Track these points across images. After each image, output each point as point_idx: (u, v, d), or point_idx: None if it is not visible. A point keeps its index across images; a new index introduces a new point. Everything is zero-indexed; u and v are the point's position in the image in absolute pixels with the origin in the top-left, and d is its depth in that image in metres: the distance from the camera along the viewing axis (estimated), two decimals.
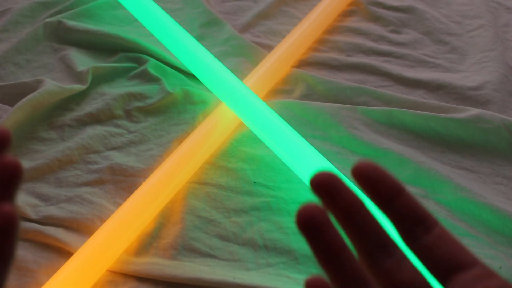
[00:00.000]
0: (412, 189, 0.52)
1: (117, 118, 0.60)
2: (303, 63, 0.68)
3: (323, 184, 0.21)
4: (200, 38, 0.70)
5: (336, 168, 0.50)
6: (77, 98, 0.62)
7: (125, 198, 0.50)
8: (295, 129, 0.52)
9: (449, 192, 0.51)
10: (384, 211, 0.21)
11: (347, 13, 0.76)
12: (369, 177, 0.21)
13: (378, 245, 0.21)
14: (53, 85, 0.59)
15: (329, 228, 0.20)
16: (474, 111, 0.57)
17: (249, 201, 0.52)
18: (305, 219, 0.20)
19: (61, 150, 0.56)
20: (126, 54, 0.67)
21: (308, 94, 0.63)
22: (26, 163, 0.55)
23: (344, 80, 0.64)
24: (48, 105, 0.60)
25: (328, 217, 0.20)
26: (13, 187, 0.19)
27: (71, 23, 0.69)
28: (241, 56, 0.68)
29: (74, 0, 0.74)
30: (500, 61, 0.66)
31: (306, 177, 0.50)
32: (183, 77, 0.64)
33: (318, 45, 0.70)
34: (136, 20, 0.70)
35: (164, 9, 0.66)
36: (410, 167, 0.54)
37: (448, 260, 0.21)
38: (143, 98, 0.61)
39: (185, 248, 0.48)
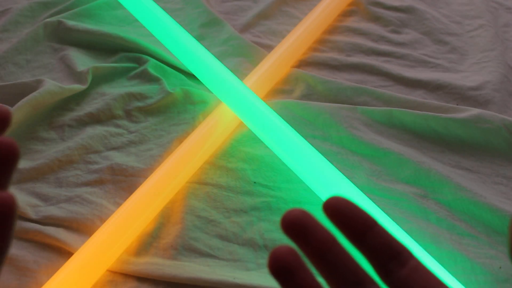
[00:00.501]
0: (412, 189, 0.52)
1: (117, 118, 0.60)
2: (303, 63, 0.68)
3: (294, 224, 0.20)
4: (200, 38, 0.70)
5: (336, 168, 0.50)
6: (77, 98, 0.62)
7: (125, 198, 0.50)
8: (295, 129, 0.52)
9: (449, 192, 0.51)
10: (357, 246, 0.21)
11: (347, 13, 0.76)
12: (340, 212, 0.21)
13: (353, 282, 0.20)
14: (53, 85, 0.60)
15: (301, 270, 0.19)
16: (474, 111, 0.57)
17: (249, 201, 0.52)
18: (277, 263, 0.19)
19: (61, 150, 0.56)
20: (126, 54, 0.67)
21: (308, 94, 0.63)
22: (26, 163, 0.55)
23: (344, 80, 0.64)
24: (48, 105, 0.60)
25: (301, 259, 0.20)
26: (9, 169, 0.18)
27: (71, 23, 0.69)
28: (241, 56, 0.68)
29: (74, 0, 0.74)
30: (500, 61, 0.66)
31: (306, 177, 0.50)
32: (183, 77, 0.64)
33: (318, 45, 0.70)
34: (136, 20, 0.70)
35: (164, 9, 0.66)
36: (410, 167, 0.54)
37: None
38: (143, 98, 0.61)
39: (185, 248, 0.48)
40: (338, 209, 0.21)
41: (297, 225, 0.20)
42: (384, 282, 0.21)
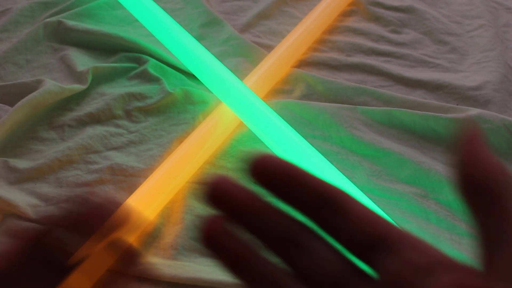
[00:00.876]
0: (412, 189, 0.52)
1: (117, 118, 0.60)
2: (303, 63, 0.68)
3: (215, 195, 0.20)
4: (200, 38, 0.70)
5: (336, 168, 0.50)
6: (77, 98, 0.62)
7: (125, 198, 0.50)
8: (295, 129, 0.52)
9: (449, 192, 0.51)
10: (290, 203, 0.20)
11: (347, 13, 0.76)
12: (265, 173, 0.20)
13: (287, 238, 0.19)
14: (53, 85, 0.59)
15: (232, 238, 0.19)
16: (474, 111, 0.57)
17: None
18: (206, 237, 0.19)
19: (61, 150, 0.56)
20: (126, 54, 0.67)
21: (308, 94, 0.63)
22: (26, 163, 0.55)
23: (344, 80, 0.64)
24: (48, 105, 0.60)
25: (228, 227, 0.19)
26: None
27: (71, 23, 0.69)
28: (241, 56, 0.68)
29: (74, 0, 0.74)
30: (500, 61, 0.66)
31: None
32: (183, 77, 0.64)
33: (318, 45, 0.70)
34: (136, 20, 0.70)
35: (164, 9, 0.66)
36: (410, 167, 0.54)
37: (369, 233, 0.19)
38: (143, 98, 0.61)
39: (185, 248, 0.48)
40: (263, 172, 0.20)
41: (218, 195, 0.20)
42: (324, 231, 0.19)
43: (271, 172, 0.20)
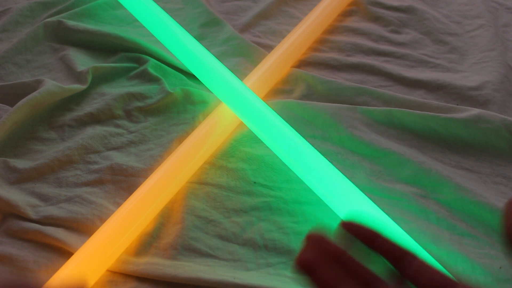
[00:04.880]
0: (412, 189, 0.52)
1: (117, 118, 0.60)
2: (303, 63, 0.68)
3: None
4: (200, 38, 0.70)
5: (336, 168, 0.50)
6: (77, 98, 0.62)
7: (125, 198, 0.50)
8: (295, 129, 0.52)
9: (449, 192, 0.51)
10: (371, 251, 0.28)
11: (347, 13, 0.76)
12: (353, 229, 0.28)
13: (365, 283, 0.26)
14: (53, 85, 0.59)
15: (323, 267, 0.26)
16: (474, 111, 0.57)
17: (249, 201, 0.52)
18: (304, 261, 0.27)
19: (61, 150, 0.56)
20: (126, 54, 0.67)
21: (308, 94, 0.63)
22: (26, 163, 0.55)
23: (344, 80, 0.64)
24: (48, 105, 0.60)
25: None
26: None
27: (71, 23, 0.69)
28: (241, 56, 0.68)
29: (74, 0, 0.74)
30: (500, 61, 0.66)
31: (306, 178, 0.50)
32: (183, 77, 0.64)
33: (318, 45, 0.70)
34: (136, 20, 0.70)
35: (164, 9, 0.66)
36: (410, 167, 0.54)
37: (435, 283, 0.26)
38: (143, 98, 0.61)
39: (185, 248, 0.48)
40: (351, 228, 0.28)
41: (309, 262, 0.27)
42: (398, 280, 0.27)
43: (357, 229, 0.28)
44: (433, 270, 0.26)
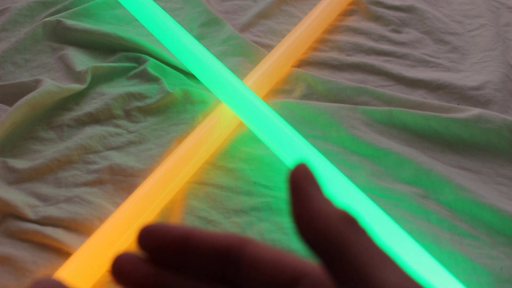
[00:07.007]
0: (413, 189, 0.52)
1: (117, 118, 0.59)
2: (303, 63, 0.67)
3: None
4: (200, 38, 0.70)
5: (336, 168, 0.49)
6: (76, 98, 0.61)
7: (124, 198, 0.50)
8: (295, 129, 0.52)
9: (450, 192, 0.51)
10: (182, 269, 0.18)
11: (347, 13, 0.76)
12: (152, 241, 0.18)
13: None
14: (52, 85, 0.59)
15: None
16: (475, 111, 0.57)
17: (249, 201, 0.51)
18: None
19: (60, 150, 0.55)
20: (125, 54, 0.66)
21: (308, 94, 0.63)
22: (25, 163, 0.54)
23: (344, 79, 0.64)
24: (47, 105, 0.60)
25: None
26: None
27: (70, 22, 0.69)
28: (241, 55, 0.68)
29: None
30: (501, 60, 0.66)
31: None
32: (183, 77, 0.64)
33: (318, 45, 0.70)
34: (136, 20, 0.69)
35: (164, 8, 0.66)
36: (410, 167, 0.53)
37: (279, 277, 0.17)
38: (142, 98, 0.61)
39: None
40: (150, 240, 0.18)
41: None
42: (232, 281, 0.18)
43: (157, 242, 0.18)
44: (269, 264, 0.18)
